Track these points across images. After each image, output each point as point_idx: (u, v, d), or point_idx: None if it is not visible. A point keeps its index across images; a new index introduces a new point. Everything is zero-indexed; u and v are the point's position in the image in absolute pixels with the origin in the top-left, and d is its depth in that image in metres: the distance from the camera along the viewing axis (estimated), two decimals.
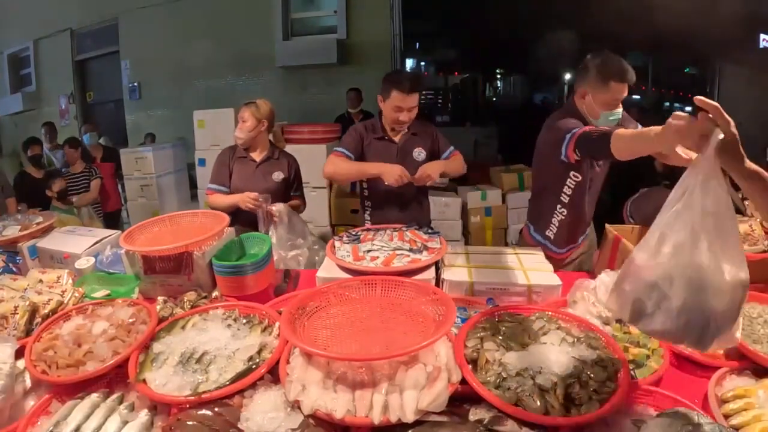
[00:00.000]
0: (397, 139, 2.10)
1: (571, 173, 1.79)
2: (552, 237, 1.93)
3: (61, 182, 3.79)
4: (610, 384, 0.96)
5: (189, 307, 1.35)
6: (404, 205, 2.13)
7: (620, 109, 1.71)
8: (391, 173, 1.88)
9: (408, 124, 2.05)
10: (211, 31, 5.63)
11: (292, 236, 1.99)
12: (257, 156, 2.25)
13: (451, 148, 2.16)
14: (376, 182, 2.05)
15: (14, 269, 1.73)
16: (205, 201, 2.28)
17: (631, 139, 1.32)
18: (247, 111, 2.19)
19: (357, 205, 3.73)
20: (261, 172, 2.22)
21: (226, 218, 1.69)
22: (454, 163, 2.11)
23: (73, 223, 3.58)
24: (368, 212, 2.20)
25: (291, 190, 2.31)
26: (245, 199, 2.05)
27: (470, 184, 4.02)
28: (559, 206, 1.88)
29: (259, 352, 1.11)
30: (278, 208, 2.05)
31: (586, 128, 1.60)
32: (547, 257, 1.70)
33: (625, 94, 1.66)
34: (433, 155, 2.14)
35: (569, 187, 1.82)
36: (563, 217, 1.89)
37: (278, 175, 2.24)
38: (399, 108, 1.96)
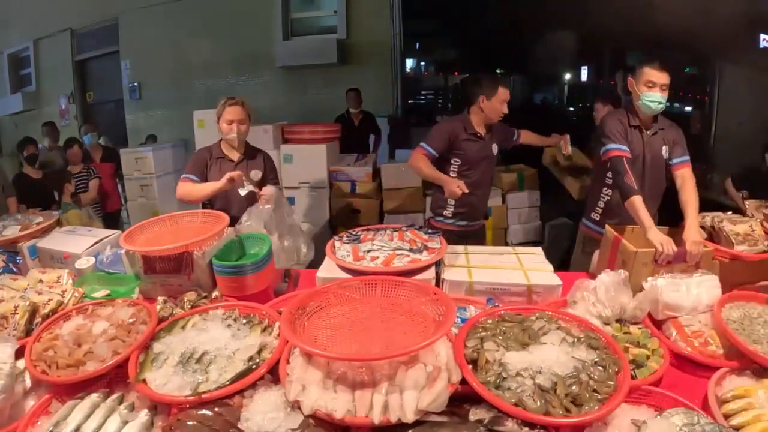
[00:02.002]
0: (483, 135, 2.40)
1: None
2: (598, 219, 2.22)
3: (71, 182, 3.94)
4: (610, 384, 0.96)
5: (189, 307, 1.35)
6: (485, 192, 2.52)
7: (659, 95, 1.98)
8: (451, 191, 2.17)
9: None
10: (211, 31, 5.62)
11: (280, 218, 1.89)
12: (235, 156, 2.21)
13: (514, 129, 2.58)
14: (469, 168, 2.37)
15: (14, 269, 1.73)
16: (177, 188, 2.11)
17: (633, 212, 1.85)
18: (239, 110, 2.12)
19: (357, 205, 3.77)
20: (241, 171, 2.13)
21: (226, 218, 1.69)
22: (532, 136, 2.65)
23: (79, 219, 3.68)
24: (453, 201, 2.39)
25: (265, 184, 2.24)
26: (227, 178, 1.94)
27: None
28: (605, 189, 2.19)
29: (259, 352, 1.11)
30: (268, 191, 1.95)
31: (618, 155, 1.99)
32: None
33: (657, 79, 1.97)
34: (504, 145, 2.58)
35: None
36: (609, 198, 2.18)
37: (256, 174, 2.21)
38: (505, 101, 2.32)
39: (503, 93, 2.32)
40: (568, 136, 2.57)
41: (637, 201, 1.84)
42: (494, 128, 2.46)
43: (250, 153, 2.25)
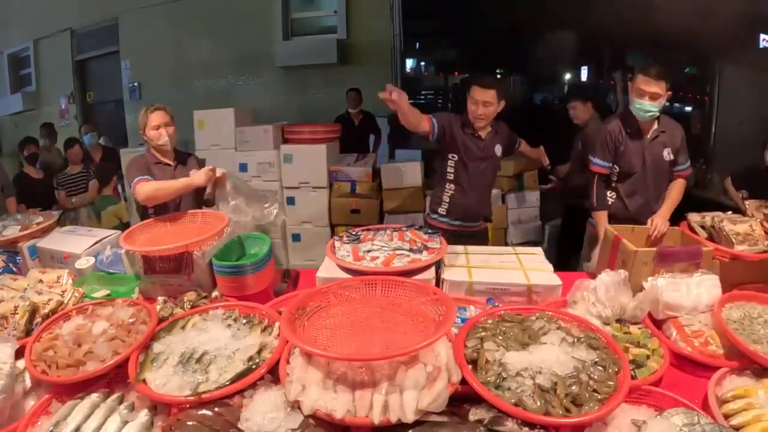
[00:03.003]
0: (483, 136, 2.33)
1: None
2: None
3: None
4: (610, 384, 0.96)
5: (189, 307, 1.35)
6: (484, 193, 2.44)
7: (648, 103, 1.97)
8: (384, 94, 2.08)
9: (484, 117, 2.24)
10: (211, 31, 5.61)
11: (238, 194, 1.89)
12: (170, 160, 2.12)
13: (517, 137, 2.54)
14: (466, 167, 2.32)
15: (14, 269, 1.73)
16: (136, 193, 1.89)
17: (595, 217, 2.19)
18: (162, 114, 2.05)
19: (357, 204, 3.77)
20: (180, 175, 2.06)
21: (226, 218, 1.69)
22: (526, 147, 2.60)
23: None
24: (449, 194, 2.37)
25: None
26: (207, 173, 1.87)
27: None
28: (610, 192, 2.21)
29: (259, 352, 1.11)
30: (223, 170, 1.92)
31: (593, 170, 2.16)
32: None
33: (647, 87, 1.95)
34: (508, 149, 2.52)
35: (614, 173, 2.19)
36: (612, 200, 2.20)
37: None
38: (475, 101, 2.22)
39: (474, 92, 2.22)
40: (542, 148, 2.67)
41: (601, 216, 2.13)
42: (500, 130, 2.40)
43: (181, 157, 2.16)
